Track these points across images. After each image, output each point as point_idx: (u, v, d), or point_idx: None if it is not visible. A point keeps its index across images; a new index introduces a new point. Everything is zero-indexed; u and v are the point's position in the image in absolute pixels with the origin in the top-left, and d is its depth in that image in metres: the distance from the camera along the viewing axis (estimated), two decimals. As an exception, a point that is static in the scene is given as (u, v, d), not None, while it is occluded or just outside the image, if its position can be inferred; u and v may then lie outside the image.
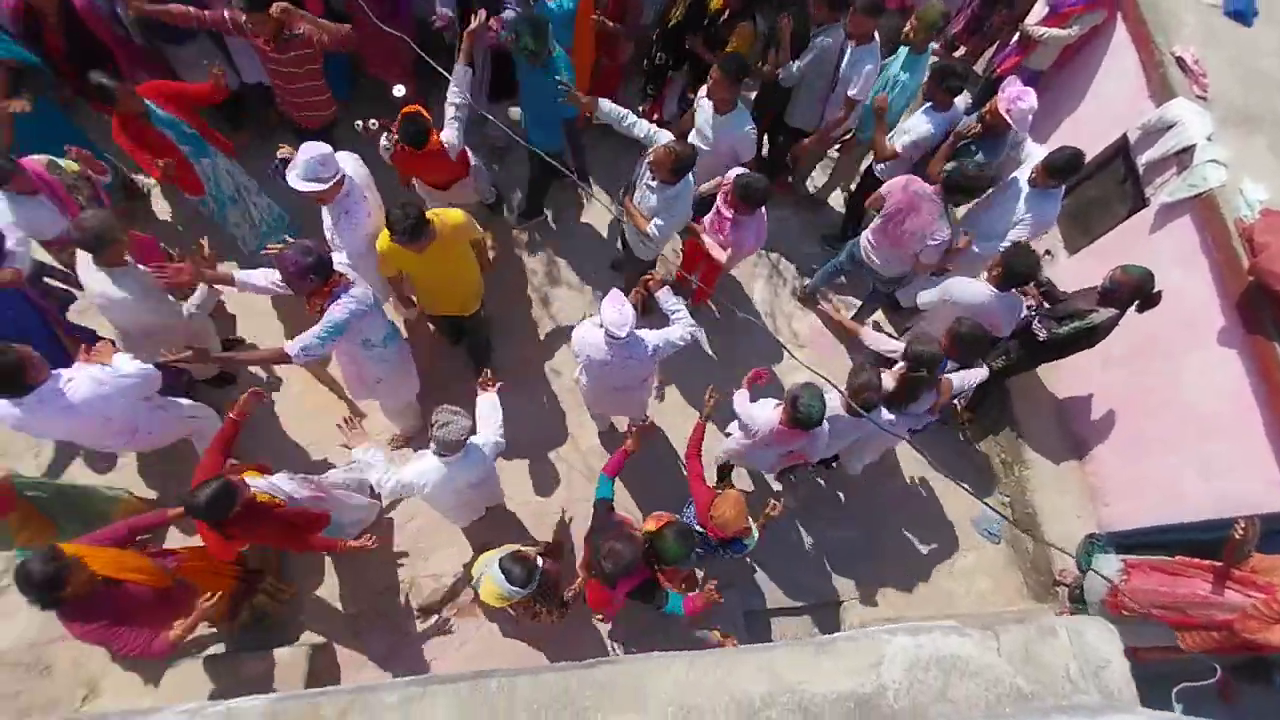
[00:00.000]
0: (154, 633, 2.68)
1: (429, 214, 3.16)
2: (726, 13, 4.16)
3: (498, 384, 3.26)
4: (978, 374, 3.58)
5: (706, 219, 3.92)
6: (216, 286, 3.40)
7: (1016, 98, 3.68)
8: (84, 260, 3.08)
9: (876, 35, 4.01)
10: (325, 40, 3.64)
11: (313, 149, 3.10)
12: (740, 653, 1.83)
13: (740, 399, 3.39)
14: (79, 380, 2.82)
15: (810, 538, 4.32)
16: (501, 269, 4.48)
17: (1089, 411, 4.50)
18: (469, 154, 3.92)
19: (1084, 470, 4.50)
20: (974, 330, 3.35)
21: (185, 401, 3.51)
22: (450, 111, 3.54)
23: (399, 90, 3.63)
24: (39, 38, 3.79)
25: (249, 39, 3.62)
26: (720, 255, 3.82)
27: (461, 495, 3.20)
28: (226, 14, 3.54)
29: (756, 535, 3.24)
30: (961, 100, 4.00)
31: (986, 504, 4.07)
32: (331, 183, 3.16)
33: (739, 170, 3.68)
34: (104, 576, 2.61)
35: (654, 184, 3.57)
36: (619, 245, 4.59)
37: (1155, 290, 3.46)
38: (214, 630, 3.63)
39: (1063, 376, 4.67)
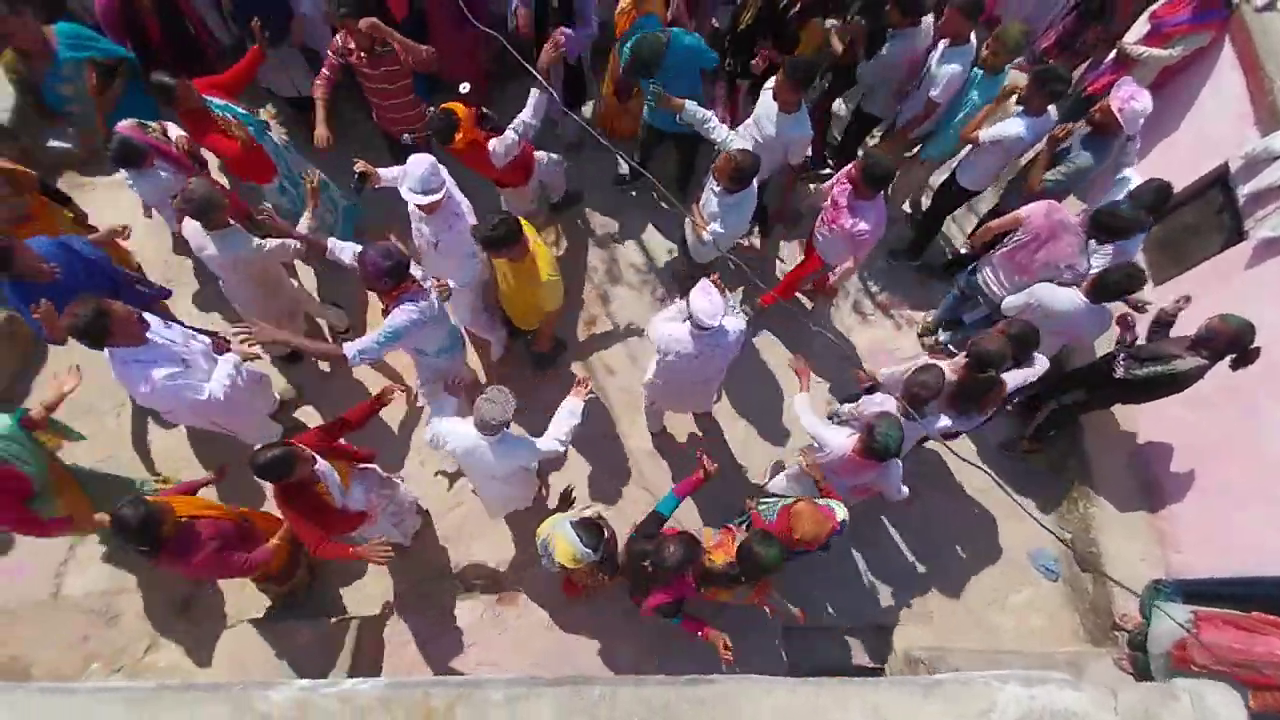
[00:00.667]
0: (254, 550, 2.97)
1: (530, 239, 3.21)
2: (798, 6, 4.12)
3: (588, 389, 3.27)
4: (1034, 370, 3.43)
5: (822, 214, 3.86)
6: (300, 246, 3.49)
7: (1130, 97, 3.52)
8: (192, 227, 3.24)
9: (973, 37, 3.89)
10: (409, 60, 3.74)
11: (423, 161, 3.18)
12: (843, 685, 1.78)
13: (804, 405, 3.32)
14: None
15: (854, 557, 4.23)
16: (563, 267, 4.52)
17: (1165, 453, 4.28)
18: (535, 166, 3.99)
19: (1154, 514, 4.28)
20: (1025, 329, 3.27)
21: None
22: (514, 125, 3.60)
23: (464, 87, 3.69)
24: (136, 27, 3.94)
25: (346, 58, 3.74)
26: (848, 266, 3.83)
27: (487, 478, 3.19)
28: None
29: (845, 515, 3.06)
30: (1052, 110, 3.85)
31: (1051, 531, 3.90)
32: (441, 193, 3.25)
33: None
34: (187, 515, 2.78)
35: (717, 189, 3.59)
36: (680, 246, 4.57)
37: (1254, 346, 3.26)
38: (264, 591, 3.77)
39: (1139, 414, 4.45)
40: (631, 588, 3.02)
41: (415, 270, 3.07)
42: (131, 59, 3.88)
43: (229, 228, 3.24)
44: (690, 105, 3.65)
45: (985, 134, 3.90)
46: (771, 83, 3.76)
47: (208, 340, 3.28)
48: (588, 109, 5.09)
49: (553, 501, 3.78)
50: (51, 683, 1.02)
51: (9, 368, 4.23)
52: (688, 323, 3.11)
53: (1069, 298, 3.48)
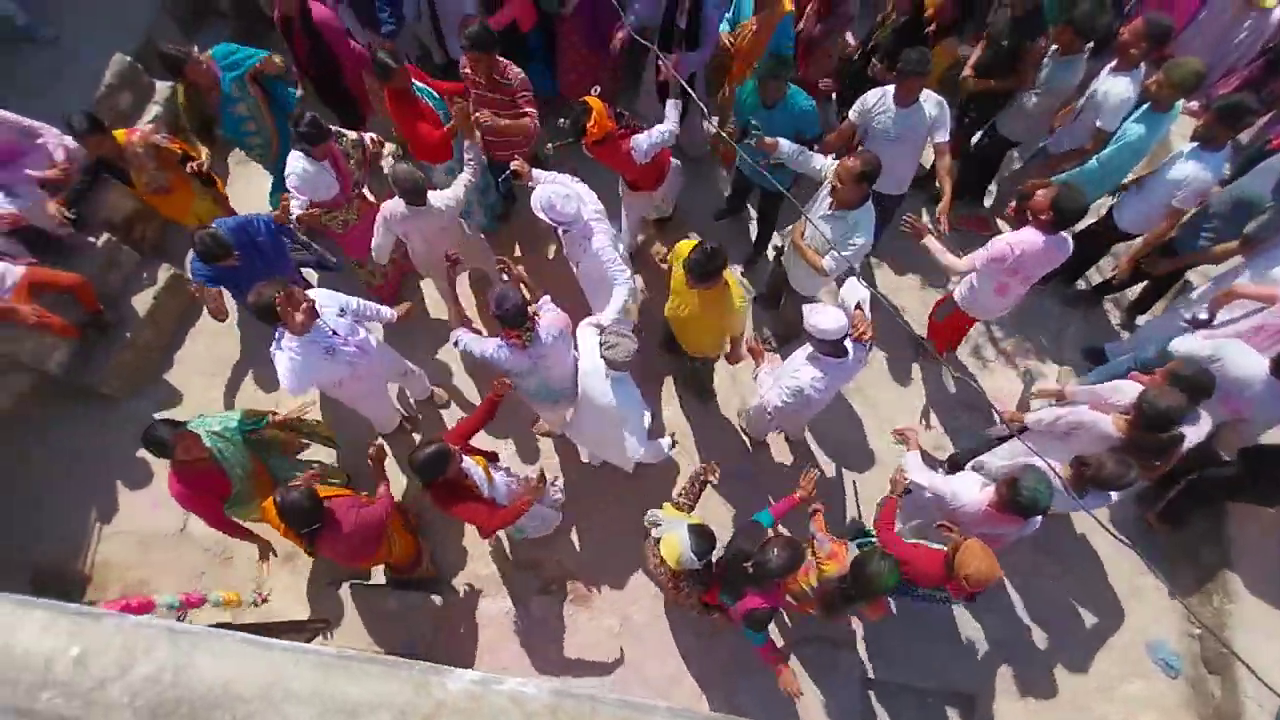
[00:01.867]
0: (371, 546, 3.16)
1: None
2: (934, 26, 4.00)
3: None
4: (1197, 430, 3.03)
5: (998, 248, 3.46)
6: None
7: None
8: (391, 206, 3.47)
9: (1143, 64, 3.65)
10: (514, 134, 3.93)
11: (564, 183, 3.32)
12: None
13: (916, 464, 3.17)
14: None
15: (948, 615, 3.97)
16: (651, 282, 4.60)
17: (1327, 551, 3.78)
18: (668, 172, 4.02)
19: (1306, 619, 3.78)
20: (1199, 376, 2.88)
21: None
22: (658, 128, 3.64)
23: (595, 90, 3.75)
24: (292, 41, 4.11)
25: (471, 86, 3.88)
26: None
27: (594, 410, 3.23)
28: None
29: None
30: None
31: (1194, 620, 3.51)
32: (567, 222, 3.34)
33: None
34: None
35: (830, 212, 3.42)
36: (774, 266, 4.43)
37: None
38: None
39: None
40: (722, 590, 2.96)
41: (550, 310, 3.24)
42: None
43: (426, 205, 3.45)
44: (785, 143, 3.54)
45: (1177, 199, 3.61)
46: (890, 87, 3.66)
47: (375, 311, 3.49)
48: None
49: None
50: (250, 634, 1.10)
51: (171, 324, 4.68)
52: (809, 363, 3.06)
53: (1255, 367, 3.07)
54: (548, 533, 3.96)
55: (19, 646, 1.08)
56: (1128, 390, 3.03)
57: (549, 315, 3.22)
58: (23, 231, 3.98)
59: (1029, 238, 3.33)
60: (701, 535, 2.75)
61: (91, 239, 4.21)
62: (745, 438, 4.39)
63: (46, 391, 4.35)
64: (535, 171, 3.59)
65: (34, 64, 4.50)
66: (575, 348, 3.35)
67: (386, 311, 3.53)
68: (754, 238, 4.81)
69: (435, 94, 3.91)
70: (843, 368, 3.12)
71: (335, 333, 3.11)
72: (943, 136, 3.71)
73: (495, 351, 3.15)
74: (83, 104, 4.25)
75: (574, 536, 4.15)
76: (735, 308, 3.31)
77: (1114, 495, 2.89)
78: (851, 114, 3.85)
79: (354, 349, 3.22)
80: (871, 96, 3.74)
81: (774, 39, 3.98)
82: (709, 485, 3.26)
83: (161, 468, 4.31)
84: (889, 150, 3.58)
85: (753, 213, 4.84)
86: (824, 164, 3.48)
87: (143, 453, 4.34)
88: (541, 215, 3.30)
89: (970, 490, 2.94)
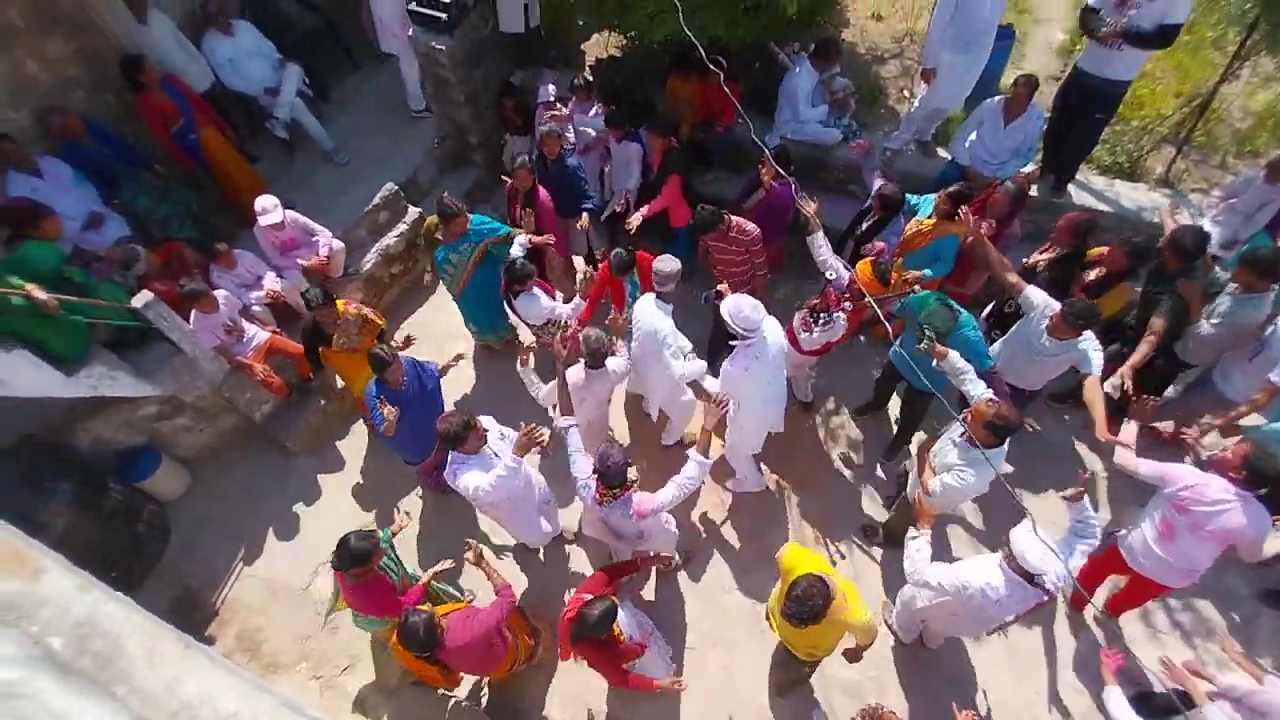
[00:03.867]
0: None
1: None
2: (1101, 271, 3.96)
3: None
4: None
5: (1175, 470, 3.26)
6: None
7: None
8: (575, 373, 3.79)
9: None
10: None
11: (750, 302, 3.60)
12: None
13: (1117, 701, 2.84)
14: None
15: None
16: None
17: None
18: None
19: None
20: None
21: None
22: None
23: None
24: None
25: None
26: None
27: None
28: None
29: None
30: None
31: None
32: (757, 325, 3.58)
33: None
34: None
35: (959, 439, 3.34)
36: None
37: None
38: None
39: None
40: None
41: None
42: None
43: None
44: (954, 355, 3.50)
45: None
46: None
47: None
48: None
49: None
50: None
51: (351, 404, 5.31)
52: (997, 568, 2.95)
53: None
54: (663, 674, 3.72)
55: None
56: None
57: (642, 500, 3.28)
58: (275, 305, 4.85)
59: (1214, 479, 3.10)
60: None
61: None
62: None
63: (244, 435, 5.04)
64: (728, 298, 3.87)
65: (327, 179, 5.68)
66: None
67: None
68: (895, 431, 4.70)
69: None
70: (1025, 592, 2.90)
71: (497, 455, 3.40)
72: (1091, 371, 3.60)
73: (581, 480, 3.29)
74: (354, 214, 5.29)
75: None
76: (856, 625, 2.96)
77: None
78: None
79: (506, 470, 3.41)
80: (1036, 317, 3.73)
81: (935, 246, 4.20)
82: None
83: (311, 521, 4.79)
84: (1034, 361, 3.77)
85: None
86: (979, 394, 3.42)
87: (299, 506, 4.87)
88: (728, 319, 3.51)
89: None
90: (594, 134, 5.27)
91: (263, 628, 4.43)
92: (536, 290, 4.35)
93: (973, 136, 4.72)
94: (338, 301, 4.16)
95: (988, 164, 4.68)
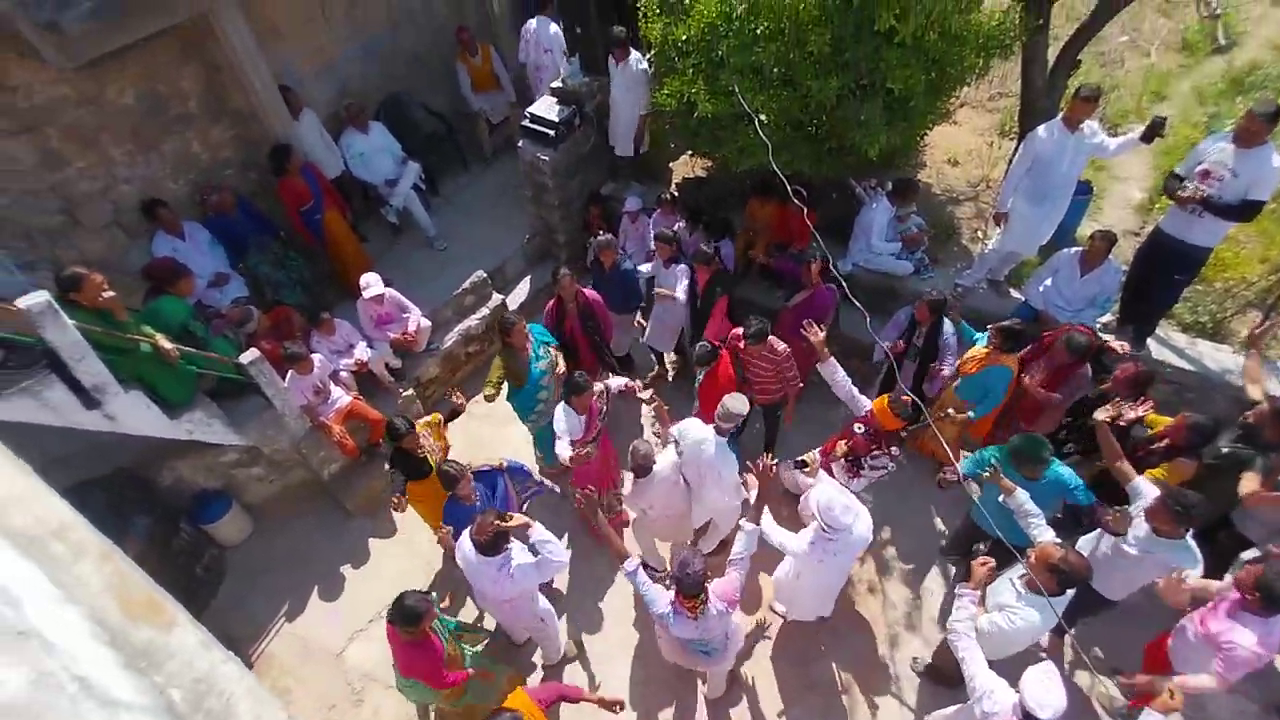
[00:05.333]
0: None
1: None
2: (1164, 441, 3.81)
3: None
4: None
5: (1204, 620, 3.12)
6: None
7: None
8: (627, 484, 3.98)
9: None
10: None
11: (848, 492, 3.66)
12: None
13: None
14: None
15: None
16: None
17: None
18: None
19: None
20: None
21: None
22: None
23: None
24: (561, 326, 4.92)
25: None
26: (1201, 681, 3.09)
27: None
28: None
29: None
30: None
31: None
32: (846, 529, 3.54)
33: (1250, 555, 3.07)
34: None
35: (1018, 580, 3.19)
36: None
37: None
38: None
39: None
40: None
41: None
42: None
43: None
44: (1022, 494, 3.41)
45: None
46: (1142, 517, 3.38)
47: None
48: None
49: None
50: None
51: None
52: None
53: None
54: None
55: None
56: None
57: (721, 585, 3.23)
58: (360, 373, 5.19)
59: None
60: None
61: (401, 389, 5.32)
62: None
63: (309, 490, 5.25)
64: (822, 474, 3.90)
65: (425, 262, 6.18)
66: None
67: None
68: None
69: None
70: None
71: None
72: (1194, 570, 3.35)
73: (663, 609, 3.20)
74: (444, 296, 5.68)
75: None
76: None
77: None
78: None
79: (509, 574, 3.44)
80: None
81: (985, 374, 4.20)
82: None
83: (355, 584, 4.86)
84: (1120, 565, 3.45)
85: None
86: (1049, 536, 3.30)
87: (346, 567, 4.97)
88: (813, 510, 3.45)
89: None
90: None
91: (291, 689, 4.43)
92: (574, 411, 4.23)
93: (1048, 282, 4.78)
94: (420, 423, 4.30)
95: (1062, 310, 4.70)
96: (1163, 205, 6.06)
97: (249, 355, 4.25)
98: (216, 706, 1.07)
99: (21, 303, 3.32)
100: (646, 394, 4.46)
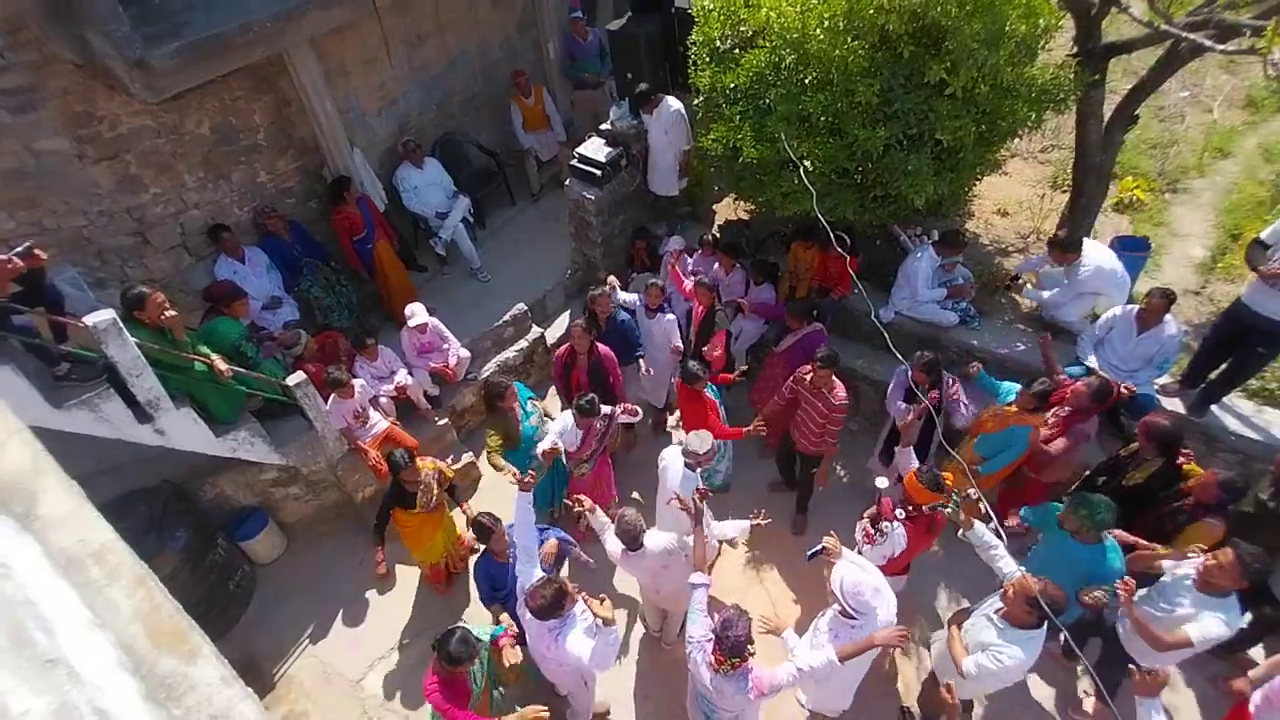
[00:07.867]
0: None
1: None
2: (1189, 500, 3.62)
3: None
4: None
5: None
6: None
7: None
8: (611, 548, 3.77)
9: None
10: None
11: (875, 572, 3.48)
12: None
13: None
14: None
15: None
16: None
17: None
18: None
19: None
20: None
21: None
22: None
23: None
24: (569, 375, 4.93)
25: None
26: None
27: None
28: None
29: None
30: None
31: None
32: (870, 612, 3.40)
33: None
34: None
35: (997, 616, 3.14)
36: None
37: None
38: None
39: None
40: None
41: None
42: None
43: None
44: (980, 528, 3.31)
45: None
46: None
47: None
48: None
49: None
50: None
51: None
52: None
53: None
54: None
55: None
56: None
57: (759, 678, 3.03)
58: (399, 399, 5.27)
59: None
60: None
61: (437, 418, 5.39)
62: None
63: (341, 512, 5.32)
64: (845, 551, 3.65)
65: (467, 293, 6.32)
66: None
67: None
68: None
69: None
70: None
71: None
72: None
73: (696, 640, 3.09)
74: (484, 327, 5.77)
75: None
76: None
77: None
78: None
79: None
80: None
81: (1008, 433, 4.08)
82: None
83: (378, 610, 4.87)
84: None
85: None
86: (1010, 571, 3.24)
87: (371, 593, 4.98)
88: (837, 591, 3.30)
89: None
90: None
91: (309, 713, 4.41)
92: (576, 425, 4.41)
93: (1101, 339, 4.60)
94: (420, 463, 4.33)
95: (1117, 370, 4.51)
96: (1225, 264, 5.84)
97: (295, 378, 4.37)
98: (229, 746, 1.06)
99: (89, 319, 3.49)
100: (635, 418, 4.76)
